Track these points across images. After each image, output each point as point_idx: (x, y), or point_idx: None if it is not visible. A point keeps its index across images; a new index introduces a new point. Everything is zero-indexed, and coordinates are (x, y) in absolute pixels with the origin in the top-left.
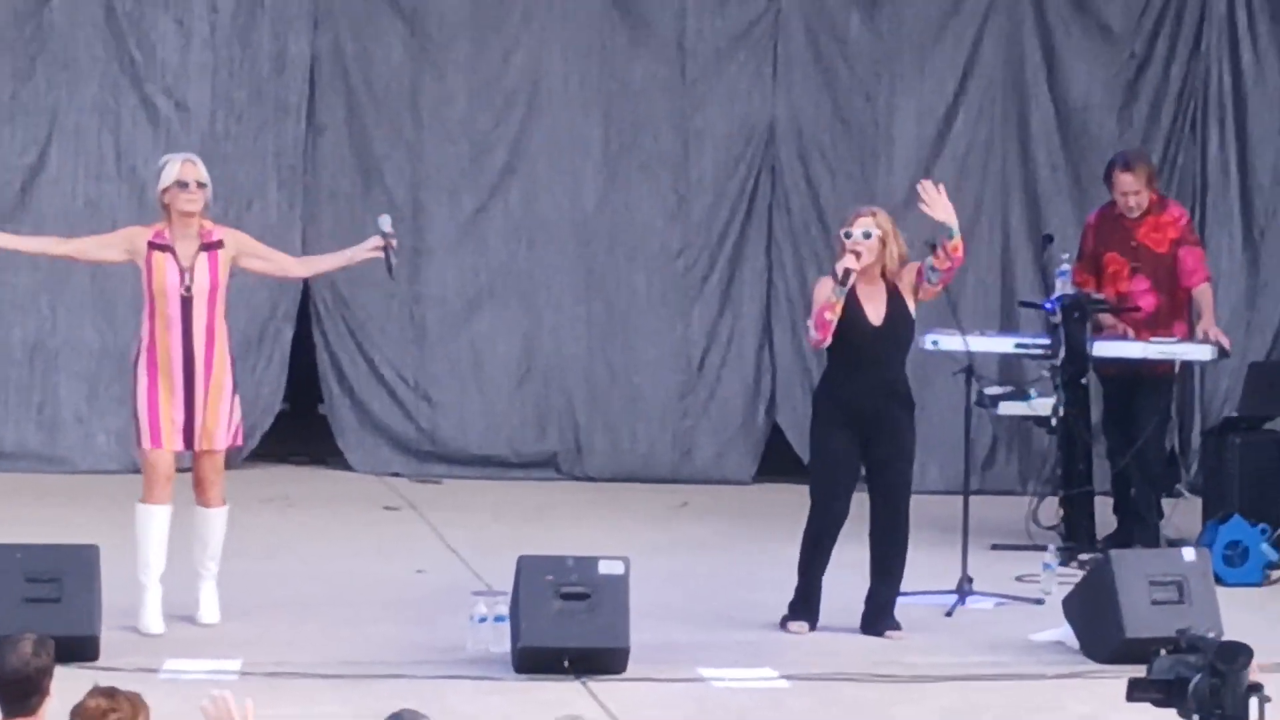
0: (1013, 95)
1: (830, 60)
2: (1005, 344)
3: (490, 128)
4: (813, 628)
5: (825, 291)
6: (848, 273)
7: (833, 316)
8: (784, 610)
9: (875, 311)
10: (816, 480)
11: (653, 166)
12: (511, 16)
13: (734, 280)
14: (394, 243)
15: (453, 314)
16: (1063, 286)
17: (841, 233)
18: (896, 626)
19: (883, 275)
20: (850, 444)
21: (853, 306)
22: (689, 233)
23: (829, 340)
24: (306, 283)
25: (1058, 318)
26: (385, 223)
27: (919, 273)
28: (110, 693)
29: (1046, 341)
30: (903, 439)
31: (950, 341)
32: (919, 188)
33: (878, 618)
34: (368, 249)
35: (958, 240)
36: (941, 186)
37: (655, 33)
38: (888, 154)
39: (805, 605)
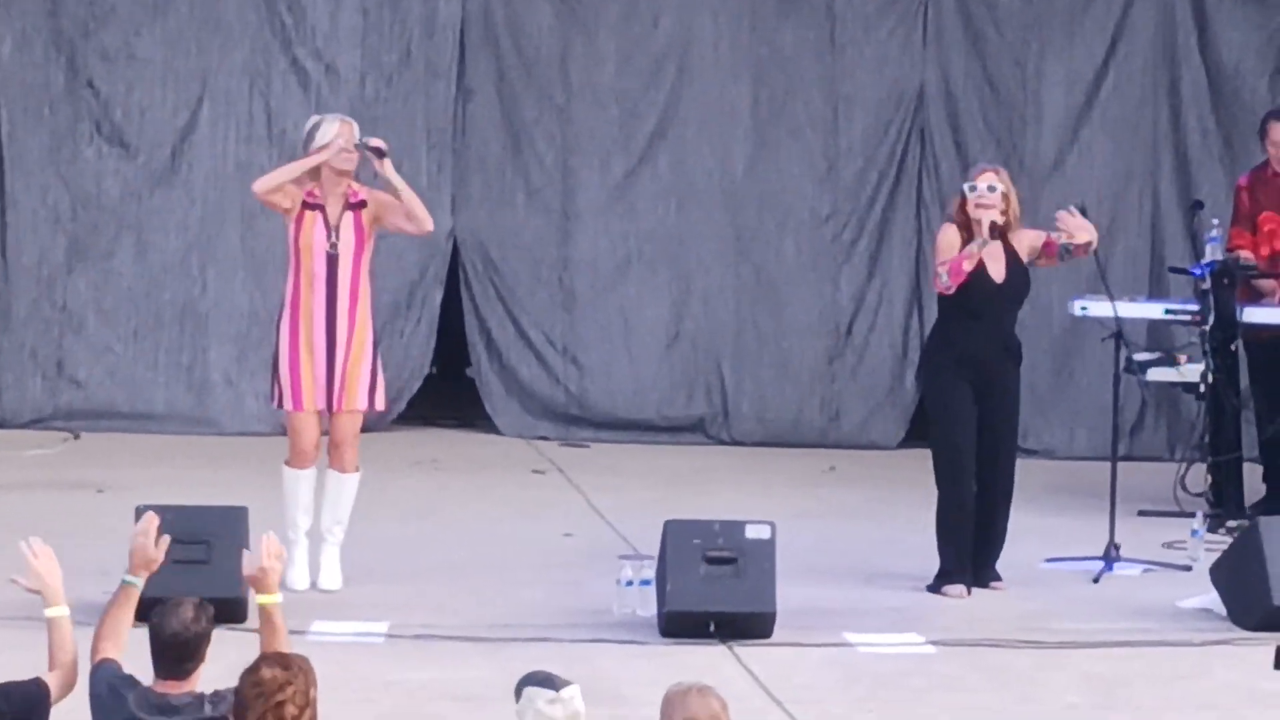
0: (1163, 60)
1: (980, 25)
2: (1155, 310)
3: (640, 92)
4: (969, 591)
5: (950, 237)
6: (994, 226)
7: (970, 266)
8: (931, 576)
9: (997, 269)
10: (946, 436)
11: (802, 131)
12: None
13: (883, 245)
14: (371, 142)
15: (601, 278)
16: (1212, 252)
17: (966, 186)
18: (998, 578)
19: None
20: (969, 397)
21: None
22: (838, 198)
23: (954, 289)
24: (456, 247)
25: (1207, 284)
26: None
27: (1046, 243)
28: (285, 662)
29: (1196, 307)
30: (1014, 393)
31: (1099, 307)
32: (1058, 219)
33: (982, 570)
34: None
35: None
36: (1073, 209)
37: None
38: (1036, 119)
39: (960, 569)
